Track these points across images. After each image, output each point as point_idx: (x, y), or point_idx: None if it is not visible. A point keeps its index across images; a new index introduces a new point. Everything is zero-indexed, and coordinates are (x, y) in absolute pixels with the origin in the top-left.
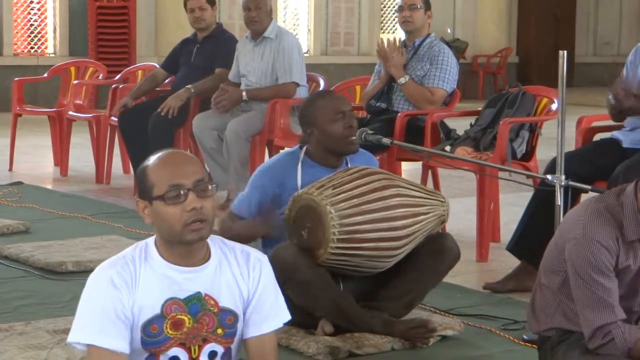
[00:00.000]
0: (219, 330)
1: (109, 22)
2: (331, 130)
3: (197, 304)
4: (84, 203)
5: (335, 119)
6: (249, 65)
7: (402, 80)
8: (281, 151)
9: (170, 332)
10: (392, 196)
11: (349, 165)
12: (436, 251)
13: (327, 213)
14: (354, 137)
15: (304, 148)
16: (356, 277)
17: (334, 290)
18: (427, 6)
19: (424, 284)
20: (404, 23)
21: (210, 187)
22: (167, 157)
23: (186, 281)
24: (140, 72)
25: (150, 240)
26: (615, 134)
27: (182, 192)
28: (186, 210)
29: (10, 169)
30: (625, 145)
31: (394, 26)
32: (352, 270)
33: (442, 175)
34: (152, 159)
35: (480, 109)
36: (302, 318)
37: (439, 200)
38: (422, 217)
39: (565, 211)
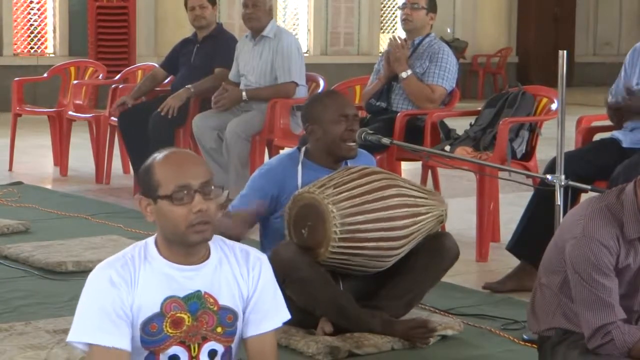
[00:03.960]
0: (219, 329)
1: (108, 22)
2: (331, 131)
3: (196, 302)
4: (84, 203)
5: (337, 121)
6: (248, 65)
7: (404, 74)
8: (281, 151)
9: (170, 330)
10: (393, 196)
11: (349, 165)
12: (436, 251)
13: (329, 212)
14: (353, 143)
15: (303, 149)
16: (356, 277)
17: (333, 288)
18: (431, 8)
19: (423, 283)
20: (403, 21)
21: (214, 189)
22: (174, 157)
23: (186, 279)
24: (140, 72)
25: (150, 240)
26: (615, 133)
27: (189, 194)
28: (192, 212)
29: (10, 169)
30: (625, 145)
31: (393, 26)
32: (352, 270)
33: (442, 175)
34: (159, 157)
35: (480, 108)
36: (302, 318)
37: (437, 201)
38: (422, 217)
39: (565, 211)
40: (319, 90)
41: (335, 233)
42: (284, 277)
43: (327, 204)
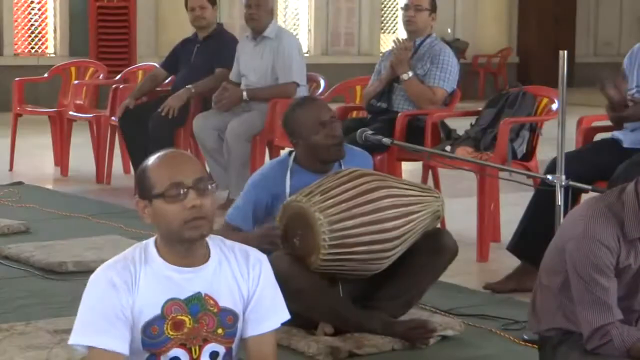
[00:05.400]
0: (219, 330)
1: (109, 22)
2: (314, 142)
3: (197, 304)
4: (84, 203)
5: (316, 130)
6: (249, 65)
7: (405, 76)
8: (282, 152)
9: (171, 332)
10: (383, 197)
11: (343, 166)
12: (434, 249)
13: (316, 220)
14: (338, 146)
15: (293, 154)
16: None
17: (330, 296)
18: (433, 9)
19: (422, 282)
20: (407, 22)
21: (210, 185)
22: (167, 157)
23: (186, 281)
24: (140, 72)
25: (151, 241)
26: (616, 134)
27: (182, 190)
28: (186, 208)
29: (11, 169)
30: (625, 145)
31: (394, 26)
32: (347, 274)
33: (443, 176)
34: (152, 159)
35: (480, 109)
36: (302, 322)
37: (432, 196)
38: (415, 215)
39: (565, 211)
40: (319, 90)
41: (325, 240)
42: (280, 289)
43: (314, 211)
